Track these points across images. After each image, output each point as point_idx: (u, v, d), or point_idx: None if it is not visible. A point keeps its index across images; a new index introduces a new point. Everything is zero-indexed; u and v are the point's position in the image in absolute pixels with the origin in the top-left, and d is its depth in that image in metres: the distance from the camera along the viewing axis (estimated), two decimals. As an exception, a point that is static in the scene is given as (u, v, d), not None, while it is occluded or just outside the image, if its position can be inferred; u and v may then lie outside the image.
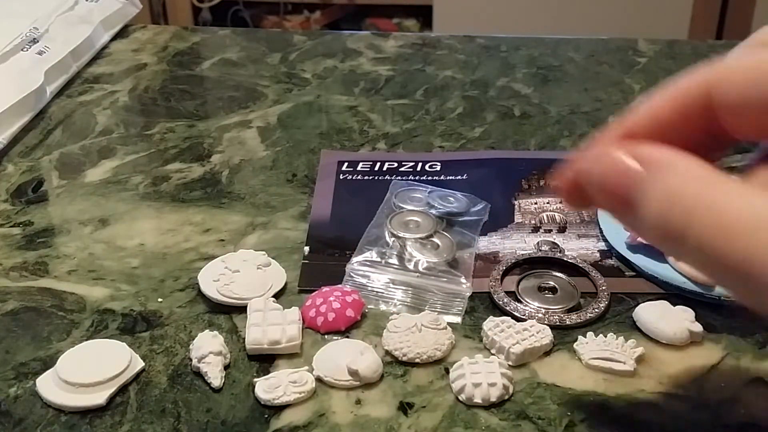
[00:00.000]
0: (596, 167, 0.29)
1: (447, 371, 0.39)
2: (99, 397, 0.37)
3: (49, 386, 0.38)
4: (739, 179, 0.28)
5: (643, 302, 0.42)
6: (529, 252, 0.47)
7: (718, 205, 0.25)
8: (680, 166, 0.27)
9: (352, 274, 0.45)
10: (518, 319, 0.41)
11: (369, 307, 0.43)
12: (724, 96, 0.28)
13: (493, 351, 0.40)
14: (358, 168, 0.56)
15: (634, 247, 0.46)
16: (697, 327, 0.40)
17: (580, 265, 0.45)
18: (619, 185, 0.28)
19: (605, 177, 0.29)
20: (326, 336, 0.41)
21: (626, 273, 0.46)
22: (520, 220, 0.50)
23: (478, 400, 0.37)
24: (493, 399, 0.37)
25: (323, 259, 0.47)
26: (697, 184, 0.26)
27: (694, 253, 0.26)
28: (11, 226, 0.51)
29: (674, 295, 0.43)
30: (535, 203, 0.52)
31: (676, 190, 0.26)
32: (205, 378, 0.38)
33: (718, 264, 0.25)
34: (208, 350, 0.39)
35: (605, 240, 0.48)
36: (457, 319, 0.42)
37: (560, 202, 0.51)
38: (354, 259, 0.45)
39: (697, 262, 0.26)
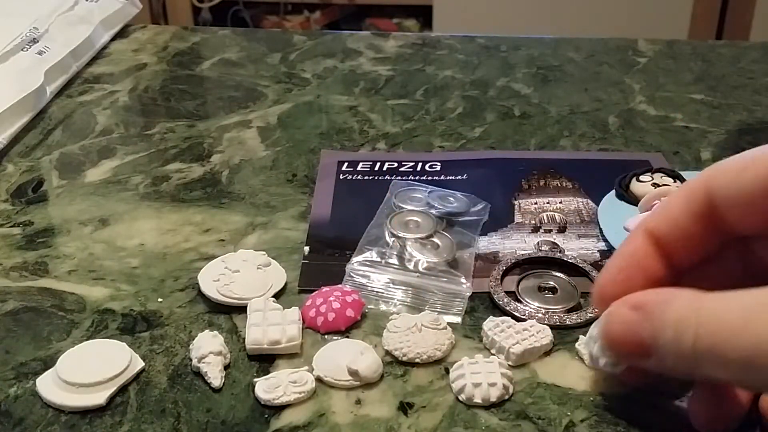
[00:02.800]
0: (607, 334, 0.32)
1: (447, 371, 0.39)
2: (99, 397, 0.37)
3: (49, 386, 0.38)
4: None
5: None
6: (529, 252, 0.47)
7: (716, 312, 0.28)
8: (676, 298, 0.29)
9: (352, 274, 0.45)
10: (518, 319, 0.41)
11: (369, 307, 0.43)
12: (722, 191, 0.31)
13: (493, 351, 0.40)
14: (358, 168, 0.56)
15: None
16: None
17: (580, 265, 0.45)
18: (631, 339, 0.31)
19: (618, 338, 0.32)
20: (326, 336, 0.41)
21: (626, 273, 0.45)
22: (520, 220, 0.50)
23: (478, 400, 0.37)
24: (493, 399, 0.37)
25: (323, 259, 0.47)
26: (695, 304, 0.29)
27: (716, 368, 0.28)
28: (11, 226, 0.51)
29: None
30: (535, 203, 0.52)
31: (678, 317, 0.29)
32: (205, 378, 0.38)
33: (729, 366, 0.27)
34: (208, 350, 0.39)
35: (605, 240, 0.48)
36: (457, 319, 0.42)
37: (560, 203, 0.51)
38: (354, 259, 0.45)
39: (721, 374, 0.28)
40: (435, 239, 0.47)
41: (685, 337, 0.28)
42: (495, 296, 0.43)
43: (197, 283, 0.44)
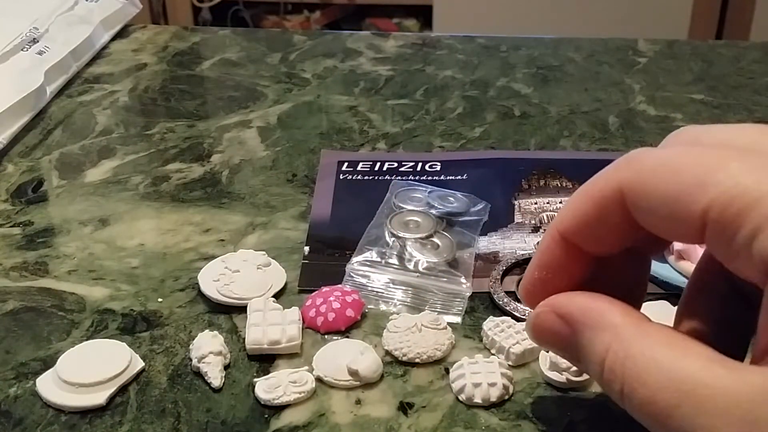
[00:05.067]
0: (536, 336, 0.32)
1: (447, 371, 0.39)
2: (99, 397, 0.37)
3: (49, 386, 0.38)
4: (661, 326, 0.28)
5: (643, 302, 0.42)
6: (529, 252, 0.47)
7: (643, 376, 0.26)
8: (600, 330, 0.29)
9: (352, 274, 0.45)
10: (518, 319, 0.41)
11: (369, 307, 0.43)
12: (637, 196, 0.28)
13: (493, 351, 0.40)
14: (358, 168, 0.56)
15: (634, 247, 0.46)
16: (697, 327, 0.40)
17: (580, 265, 0.45)
18: (561, 347, 0.31)
19: (547, 342, 0.32)
20: (326, 336, 0.41)
21: (626, 273, 0.45)
22: (520, 220, 0.50)
23: (478, 400, 0.37)
24: (493, 399, 0.37)
25: (323, 259, 0.47)
26: (621, 352, 0.27)
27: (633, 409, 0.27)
28: (11, 226, 0.51)
29: (674, 295, 0.43)
30: (535, 203, 0.52)
31: (603, 359, 0.28)
32: (205, 378, 0.38)
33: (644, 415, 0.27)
34: (208, 350, 0.39)
35: (605, 240, 0.48)
36: (457, 319, 0.42)
37: (560, 203, 0.51)
38: (354, 259, 0.45)
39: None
40: (435, 239, 0.47)
41: (613, 385, 0.27)
42: (495, 296, 0.43)
43: (197, 283, 0.44)
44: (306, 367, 0.39)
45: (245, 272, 0.44)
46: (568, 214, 0.31)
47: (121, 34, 0.80)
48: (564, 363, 0.37)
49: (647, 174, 0.28)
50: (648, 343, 0.27)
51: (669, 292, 0.44)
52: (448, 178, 0.55)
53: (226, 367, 0.39)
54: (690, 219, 0.26)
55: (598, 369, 0.28)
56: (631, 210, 0.28)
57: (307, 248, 0.47)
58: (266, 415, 0.37)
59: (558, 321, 0.30)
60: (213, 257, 0.47)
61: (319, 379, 0.38)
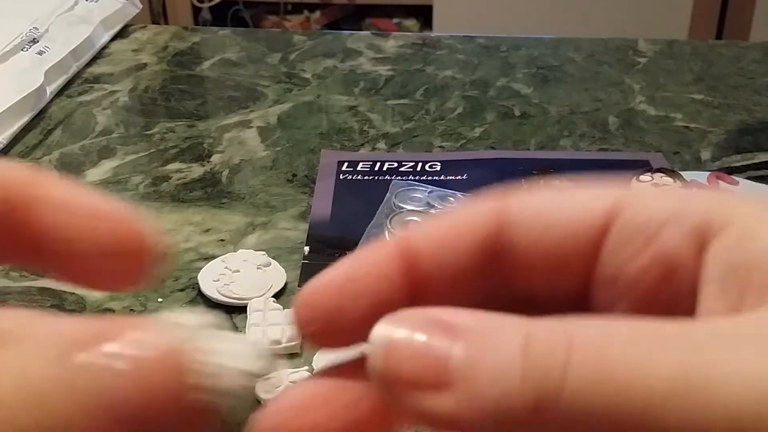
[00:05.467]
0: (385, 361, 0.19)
1: (447, 371, 0.39)
2: (99, 397, 0.37)
3: (49, 386, 0.38)
4: None
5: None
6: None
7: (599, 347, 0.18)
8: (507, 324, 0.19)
9: (352, 274, 0.45)
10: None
11: (369, 307, 0.43)
12: (516, 230, 0.21)
13: (493, 351, 0.40)
14: (358, 168, 0.56)
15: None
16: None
17: (580, 265, 0.45)
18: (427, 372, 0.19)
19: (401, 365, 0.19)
20: (326, 336, 0.41)
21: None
22: (520, 220, 0.50)
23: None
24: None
25: (323, 259, 0.47)
26: (562, 326, 0.18)
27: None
28: (11, 226, 0.50)
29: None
30: (535, 203, 0.52)
31: (536, 339, 0.18)
32: (205, 378, 0.38)
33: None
34: (208, 350, 0.39)
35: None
36: (457, 319, 0.42)
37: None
38: (354, 259, 0.45)
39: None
40: (435, 239, 0.47)
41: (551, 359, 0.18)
42: (495, 296, 0.43)
43: (197, 283, 0.44)
44: (306, 367, 0.38)
45: (245, 272, 0.44)
46: (427, 229, 0.22)
47: (121, 34, 0.80)
48: None
49: (531, 200, 0.21)
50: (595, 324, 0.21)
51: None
52: (448, 178, 0.55)
53: (226, 367, 0.39)
54: (590, 221, 0.20)
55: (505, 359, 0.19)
56: (510, 243, 0.21)
57: (307, 248, 0.47)
58: (266, 415, 0.37)
59: (441, 337, 0.20)
60: (213, 257, 0.47)
61: (319, 379, 0.38)
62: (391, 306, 0.20)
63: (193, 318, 0.16)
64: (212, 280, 0.44)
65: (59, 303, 0.44)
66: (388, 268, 0.21)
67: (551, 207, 0.21)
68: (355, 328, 0.20)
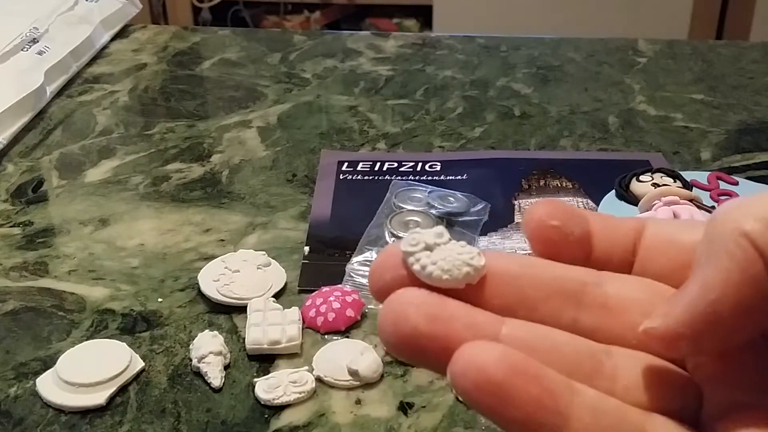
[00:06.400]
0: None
1: (447, 371, 0.39)
2: (99, 397, 0.37)
3: (49, 386, 0.38)
4: None
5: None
6: (529, 252, 0.47)
7: None
8: None
9: (352, 274, 0.45)
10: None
11: (369, 307, 0.43)
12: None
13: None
14: (358, 168, 0.56)
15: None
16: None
17: (580, 265, 0.45)
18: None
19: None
20: (326, 336, 0.41)
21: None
22: (520, 220, 0.50)
23: (478, 400, 0.37)
24: (493, 399, 0.37)
25: (323, 259, 0.47)
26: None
27: None
28: (11, 226, 0.50)
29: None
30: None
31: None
32: (205, 378, 0.38)
33: None
34: (208, 350, 0.39)
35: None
36: (457, 319, 0.42)
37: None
38: (354, 259, 0.45)
39: None
40: (435, 239, 0.47)
41: None
42: (495, 296, 0.43)
43: (197, 283, 0.44)
44: (306, 367, 0.39)
45: (245, 272, 0.44)
46: None
47: (121, 34, 0.80)
48: None
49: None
50: None
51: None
52: (448, 178, 0.55)
53: (226, 367, 0.39)
54: None
55: None
56: None
57: (307, 248, 0.47)
58: (266, 415, 0.37)
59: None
60: (213, 257, 0.47)
61: (319, 379, 0.38)
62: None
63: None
64: (212, 280, 0.44)
65: (59, 303, 0.44)
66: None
67: None
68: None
